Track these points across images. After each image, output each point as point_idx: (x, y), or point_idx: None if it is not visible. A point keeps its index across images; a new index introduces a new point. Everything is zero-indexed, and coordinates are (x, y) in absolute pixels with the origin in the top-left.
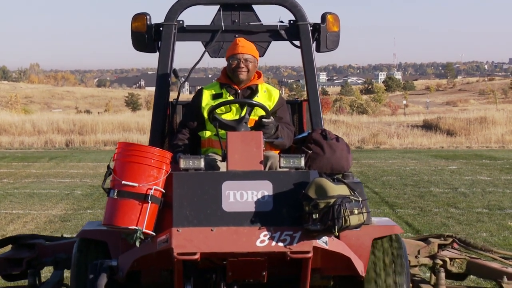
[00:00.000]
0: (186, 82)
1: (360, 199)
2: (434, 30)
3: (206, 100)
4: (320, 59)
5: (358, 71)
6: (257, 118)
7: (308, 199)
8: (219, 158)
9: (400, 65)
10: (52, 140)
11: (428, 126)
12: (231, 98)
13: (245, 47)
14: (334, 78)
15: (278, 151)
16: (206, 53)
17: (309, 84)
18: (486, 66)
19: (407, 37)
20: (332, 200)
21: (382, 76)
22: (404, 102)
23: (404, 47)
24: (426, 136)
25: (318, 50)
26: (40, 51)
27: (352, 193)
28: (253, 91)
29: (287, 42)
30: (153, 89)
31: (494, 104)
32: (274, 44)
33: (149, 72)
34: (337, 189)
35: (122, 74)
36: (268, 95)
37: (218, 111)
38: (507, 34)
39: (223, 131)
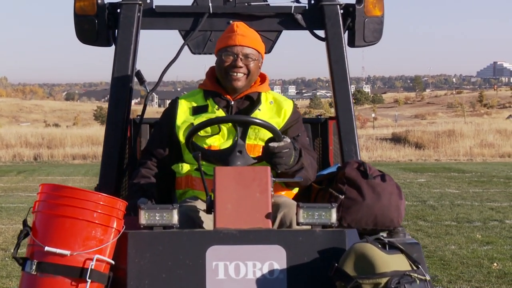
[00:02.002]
0: (154, 94)
1: (427, 277)
2: (402, 43)
3: (183, 116)
4: (289, 72)
5: (327, 84)
6: (262, 143)
7: (344, 277)
8: (203, 207)
9: (368, 78)
10: (20, 154)
11: (396, 139)
12: (220, 113)
13: (246, 36)
14: (303, 91)
15: (293, 195)
16: (186, 48)
17: (338, 94)
18: (454, 79)
19: (376, 51)
20: (384, 280)
21: (351, 89)
22: (373, 115)
23: (372, 60)
24: (394, 149)
25: (351, 43)
26: (8, 64)
27: (414, 267)
28: (253, 102)
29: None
30: None
31: (462, 117)
32: None
33: None
34: (391, 262)
35: (91, 87)
36: (276, 108)
37: (201, 133)
38: (474, 48)
39: (207, 165)
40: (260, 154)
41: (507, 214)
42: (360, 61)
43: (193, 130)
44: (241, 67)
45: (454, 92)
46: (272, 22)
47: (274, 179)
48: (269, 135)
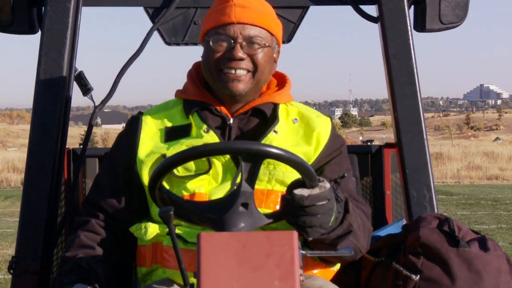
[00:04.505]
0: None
1: None
2: None
3: (150, 143)
4: None
5: (314, 108)
6: (281, 189)
7: None
8: None
9: (356, 101)
10: (8, 179)
11: None
12: (211, 138)
13: (249, 8)
14: None
15: (333, 273)
16: (159, 38)
17: (401, 106)
18: (441, 102)
19: (363, 73)
20: None
21: (338, 112)
22: (361, 138)
23: (359, 83)
24: None
25: (420, 26)
26: None
27: None
28: (265, 119)
29: None
30: (111, 126)
31: (450, 140)
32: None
33: (105, 110)
34: None
35: (78, 112)
36: (303, 130)
37: (179, 172)
38: (461, 71)
39: (187, 228)
40: (277, 208)
41: (495, 236)
42: (347, 84)
43: (163, 168)
44: (241, 58)
45: (441, 115)
46: None
47: (303, 252)
48: (292, 174)
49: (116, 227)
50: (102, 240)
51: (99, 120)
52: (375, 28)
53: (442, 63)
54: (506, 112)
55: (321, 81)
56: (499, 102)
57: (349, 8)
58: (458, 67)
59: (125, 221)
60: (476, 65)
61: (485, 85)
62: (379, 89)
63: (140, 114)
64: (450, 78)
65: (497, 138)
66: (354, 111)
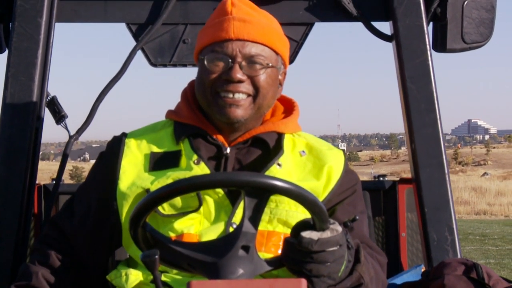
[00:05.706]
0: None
1: None
2: (377, 101)
3: (133, 171)
4: None
5: None
6: (284, 231)
7: None
8: None
9: (344, 136)
10: None
11: None
12: (202, 169)
13: (251, 23)
14: None
15: None
16: (141, 56)
17: (419, 136)
18: None
19: (351, 108)
20: None
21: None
22: None
23: (348, 118)
24: None
25: (440, 45)
26: None
27: None
28: (268, 150)
29: None
30: None
31: None
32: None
33: (93, 145)
34: None
35: None
36: (312, 164)
37: (164, 210)
38: (449, 106)
39: (175, 275)
40: (279, 252)
41: None
42: (335, 119)
43: (146, 205)
44: (240, 80)
45: None
46: (298, 8)
47: None
48: (297, 213)
49: (77, 265)
50: (58, 282)
51: (87, 155)
52: (366, 61)
53: None
54: (494, 147)
55: (310, 116)
56: (487, 137)
57: (342, 34)
58: (446, 102)
59: (98, 265)
60: (463, 101)
61: (473, 120)
62: (368, 124)
63: (124, 135)
64: None
65: (485, 173)
66: (342, 146)
